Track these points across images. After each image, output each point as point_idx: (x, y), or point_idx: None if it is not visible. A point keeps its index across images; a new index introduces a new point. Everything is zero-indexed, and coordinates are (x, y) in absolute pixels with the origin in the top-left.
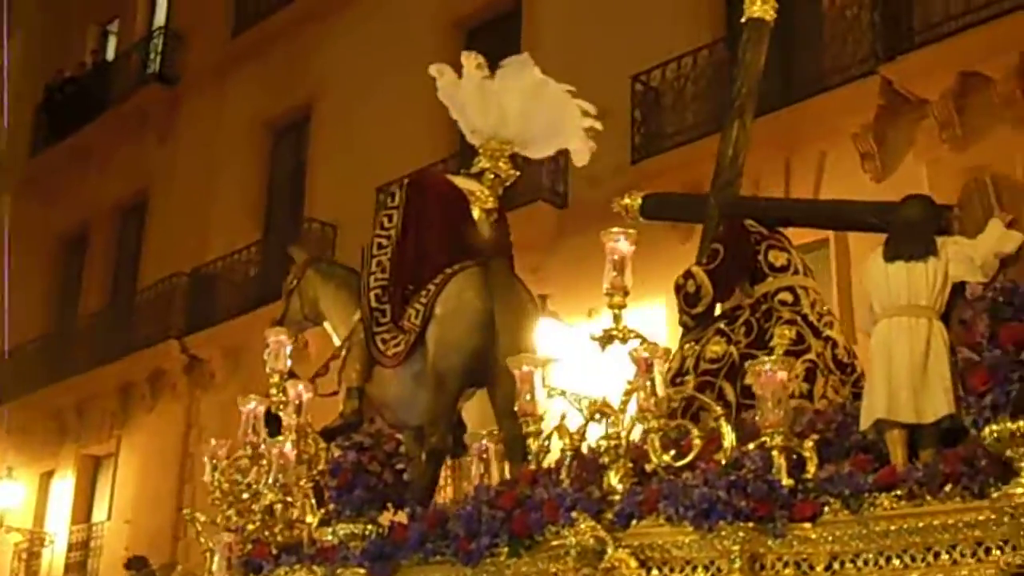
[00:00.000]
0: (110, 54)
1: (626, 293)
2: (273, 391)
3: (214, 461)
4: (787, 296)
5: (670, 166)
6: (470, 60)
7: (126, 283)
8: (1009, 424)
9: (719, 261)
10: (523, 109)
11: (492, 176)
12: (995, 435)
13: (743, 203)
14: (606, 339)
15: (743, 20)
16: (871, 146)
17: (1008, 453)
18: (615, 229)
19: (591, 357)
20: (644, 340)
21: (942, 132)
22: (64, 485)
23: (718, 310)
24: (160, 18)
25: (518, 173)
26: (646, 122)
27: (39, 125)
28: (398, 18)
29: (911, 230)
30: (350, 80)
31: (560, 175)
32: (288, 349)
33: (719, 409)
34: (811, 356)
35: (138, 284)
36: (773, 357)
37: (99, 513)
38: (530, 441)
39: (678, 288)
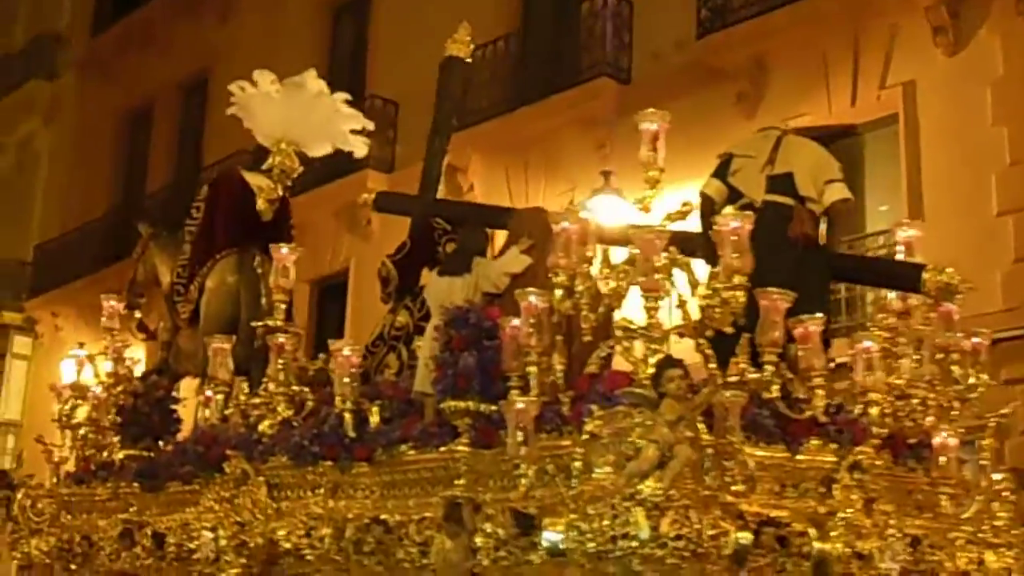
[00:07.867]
0: None
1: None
2: (105, 343)
3: (59, 396)
4: None
5: (735, 40)
6: (264, 77)
7: (190, 160)
8: (451, 403)
9: (405, 253)
10: (302, 116)
11: (279, 171)
12: (446, 410)
13: (436, 205)
14: None
15: (445, 55)
16: (944, 19)
17: (455, 422)
18: None
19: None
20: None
21: (1018, 4)
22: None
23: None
24: None
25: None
26: None
27: (101, 3)
28: None
29: (458, 254)
30: None
31: (625, 50)
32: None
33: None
34: None
35: (202, 161)
36: (349, 344)
37: None
38: (219, 398)
39: (378, 273)
